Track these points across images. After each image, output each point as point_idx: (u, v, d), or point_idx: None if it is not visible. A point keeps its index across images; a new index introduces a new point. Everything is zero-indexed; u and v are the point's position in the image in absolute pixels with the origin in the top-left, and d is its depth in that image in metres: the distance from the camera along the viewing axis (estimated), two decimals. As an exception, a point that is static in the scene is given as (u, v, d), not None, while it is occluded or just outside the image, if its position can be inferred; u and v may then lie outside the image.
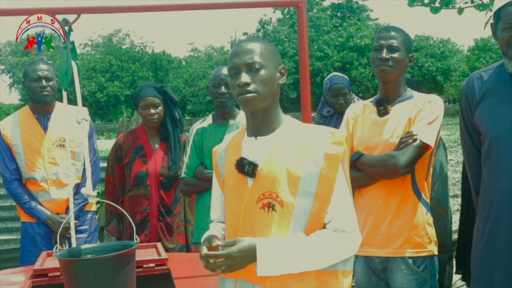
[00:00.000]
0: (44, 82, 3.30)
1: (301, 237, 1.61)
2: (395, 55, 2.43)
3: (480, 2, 3.79)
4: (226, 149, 1.81)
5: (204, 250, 1.63)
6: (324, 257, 1.60)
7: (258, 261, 1.57)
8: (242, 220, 1.67)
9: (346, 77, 3.87)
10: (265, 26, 38.86)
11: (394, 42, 2.44)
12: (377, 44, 2.47)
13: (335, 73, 3.95)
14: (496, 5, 2.18)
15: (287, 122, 1.74)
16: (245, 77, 1.65)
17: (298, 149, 1.65)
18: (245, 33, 40.12)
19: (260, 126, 1.71)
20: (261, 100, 1.66)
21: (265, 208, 1.64)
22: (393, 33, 2.46)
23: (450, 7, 3.85)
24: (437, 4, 3.82)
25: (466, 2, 3.88)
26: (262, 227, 1.63)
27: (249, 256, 1.58)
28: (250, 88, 1.65)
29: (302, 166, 1.63)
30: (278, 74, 1.72)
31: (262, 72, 1.66)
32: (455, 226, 4.60)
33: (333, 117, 3.71)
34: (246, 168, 1.67)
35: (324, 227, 1.64)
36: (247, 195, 1.67)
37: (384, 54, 2.43)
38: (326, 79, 3.82)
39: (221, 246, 1.62)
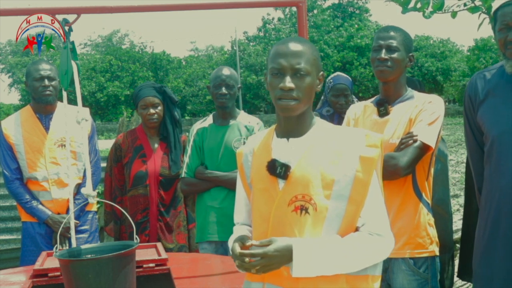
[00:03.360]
0: (46, 82, 3.30)
1: (337, 238, 1.59)
2: (394, 55, 2.42)
3: (472, 5, 3.80)
4: (253, 151, 1.77)
5: (238, 249, 1.59)
6: (359, 260, 1.58)
7: (294, 261, 1.54)
8: (272, 223, 1.64)
9: (350, 78, 3.86)
10: (266, 25, 38.87)
11: (393, 42, 2.42)
12: (376, 44, 2.46)
13: (339, 73, 3.94)
14: (494, 7, 2.20)
15: (318, 124, 1.71)
16: (289, 82, 1.61)
17: (332, 151, 1.63)
18: (245, 33, 40.15)
19: (293, 128, 1.68)
20: (300, 108, 1.64)
21: (297, 211, 1.60)
22: (392, 33, 2.45)
23: (443, 11, 3.86)
24: (430, 9, 3.83)
25: (458, 6, 3.89)
26: (294, 230, 1.60)
27: (285, 256, 1.55)
28: (294, 94, 1.61)
29: (336, 168, 1.60)
30: (317, 81, 1.69)
31: (307, 79, 1.63)
32: (455, 226, 4.61)
33: (333, 117, 3.70)
34: (278, 170, 1.63)
35: (356, 230, 1.62)
36: (278, 197, 1.64)
37: (383, 54, 2.42)
38: (329, 77, 3.80)
39: (256, 245, 1.58)
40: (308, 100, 1.65)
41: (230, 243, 1.68)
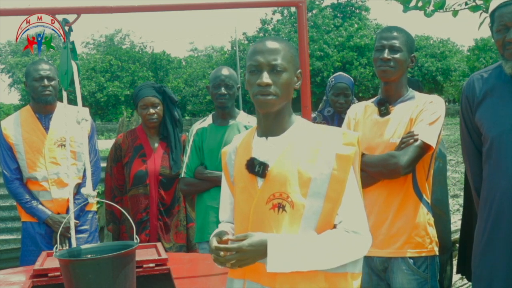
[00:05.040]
0: (46, 82, 3.30)
1: (312, 235, 1.61)
2: (397, 55, 2.43)
3: (474, 4, 3.80)
4: (236, 149, 1.80)
5: (215, 243, 1.62)
6: (334, 256, 1.60)
7: (269, 256, 1.56)
8: (252, 221, 1.66)
9: (352, 79, 3.87)
10: (266, 25, 38.86)
11: (396, 43, 2.43)
12: (379, 44, 2.47)
13: (341, 73, 3.95)
14: (491, 8, 2.19)
15: (298, 122, 1.73)
16: (267, 78, 1.64)
17: (309, 149, 1.65)
18: (244, 33, 40.15)
19: (271, 126, 1.71)
20: (278, 103, 1.66)
21: (275, 209, 1.63)
22: (395, 33, 2.46)
23: (444, 10, 3.86)
24: (431, 8, 3.83)
25: (460, 5, 3.89)
26: (272, 227, 1.62)
27: (259, 251, 1.57)
28: (271, 90, 1.64)
29: (313, 166, 1.62)
30: (295, 78, 1.72)
31: (284, 75, 1.66)
32: (454, 226, 4.61)
33: (334, 118, 3.70)
34: (257, 168, 1.66)
35: (334, 228, 1.63)
36: (257, 196, 1.66)
37: (386, 54, 2.42)
38: (331, 77, 3.80)
39: (232, 240, 1.61)
40: (286, 96, 1.68)
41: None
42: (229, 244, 1.61)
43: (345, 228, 1.62)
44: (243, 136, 1.83)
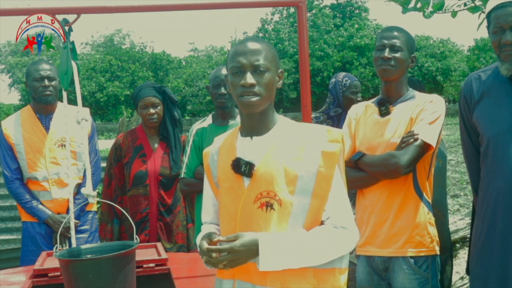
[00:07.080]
0: (46, 82, 3.30)
1: (302, 232, 1.63)
2: (398, 54, 2.44)
3: (472, 5, 3.81)
4: (219, 150, 1.81)
5: (205, 245, 1.63)
6: (325, 252, 1.62)
7: (261, 255, 1.58)
8: (239, 220, 1.67)
9: None
10: (265, 25, 38.86)
11: (397, 42, 2.44)
12: (379, 43, 2.48)
13: (344, 72, 3.96)
14: (487, 9, 2.20)
15: (281, 121, 1.75)
16: (250, 79, 1.65)
17: (294, 147, 1.67)
18: (245, 33, 40.16)
19: (255, 126, 1.72)
20: (262, 103, 1.68)
21: (263, 208, 1.64)
22: (396, 33, 2.47)
23: (443, 11, 3.88)
24: (430, 9, 3.84)
25: (459, 6, 3.90)
26: (261, 226, 1.64)
27: (251, 250, 1.58)
28: (255, 90, 1.65)
29: (299, 164, 1.64)
30: (277, 77, 1.74)
31: (267, 75, 1.68)
32: (454, 226, 4.62)
33: (341, 118, 3.69)
34: (243, 168, 1.68)
35: (321, 224, 1.66)
36: (244, 195, 1.68)
37: (387, 53, 2.43)
38: (341, 78, 3.77)
39: (223, 241, 1.62)
40: (269, 96, 1.70)
41: (198, 241, 1.71)
42: (220, 245, 1.62)
43: (333, 224, 1.64)
44: (224, 137, 1.84)
